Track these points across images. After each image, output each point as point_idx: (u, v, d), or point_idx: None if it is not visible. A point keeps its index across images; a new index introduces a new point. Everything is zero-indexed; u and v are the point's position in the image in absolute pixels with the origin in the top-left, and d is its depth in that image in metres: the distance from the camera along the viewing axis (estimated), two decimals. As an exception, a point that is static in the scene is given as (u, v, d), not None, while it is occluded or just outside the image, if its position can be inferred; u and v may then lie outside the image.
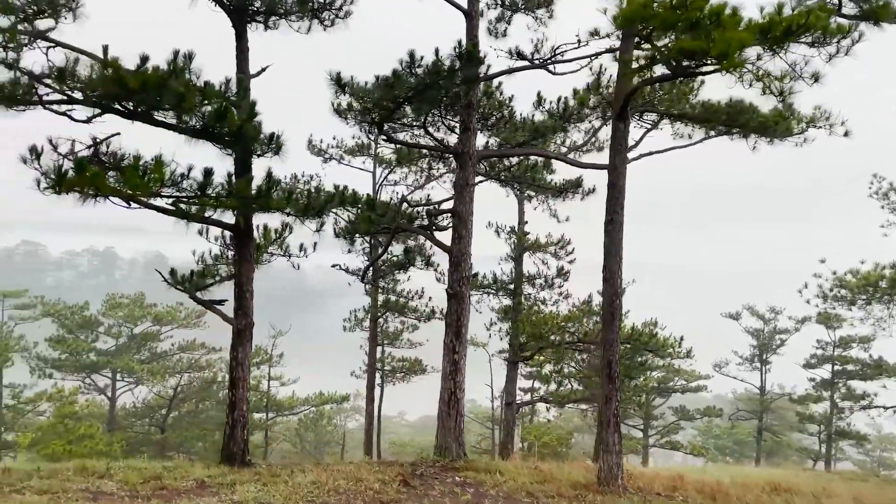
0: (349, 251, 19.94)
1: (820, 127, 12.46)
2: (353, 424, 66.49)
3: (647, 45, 10.96)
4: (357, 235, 15.59)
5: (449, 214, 14.78)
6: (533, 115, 16.20)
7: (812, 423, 43.60)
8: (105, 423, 35.41)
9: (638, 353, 25.97)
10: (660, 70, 11.19)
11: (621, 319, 11.20)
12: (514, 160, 19.60)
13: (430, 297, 26.92)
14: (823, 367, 42.08)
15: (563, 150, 18.43)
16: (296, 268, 13.14)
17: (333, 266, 25.51)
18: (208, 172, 9.31)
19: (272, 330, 36.29)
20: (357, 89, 11.37)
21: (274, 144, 10.41)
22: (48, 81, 8.79)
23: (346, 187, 13.74)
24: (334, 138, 27.29)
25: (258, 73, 11.52)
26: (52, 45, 9.81)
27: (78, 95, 9.31)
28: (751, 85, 8.62)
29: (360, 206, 14.22)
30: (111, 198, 8.69)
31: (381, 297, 26.39)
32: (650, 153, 14.29)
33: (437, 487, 9.92)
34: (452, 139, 14.97)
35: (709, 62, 7.78)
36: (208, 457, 36.36)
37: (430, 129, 14.06)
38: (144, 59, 9.08)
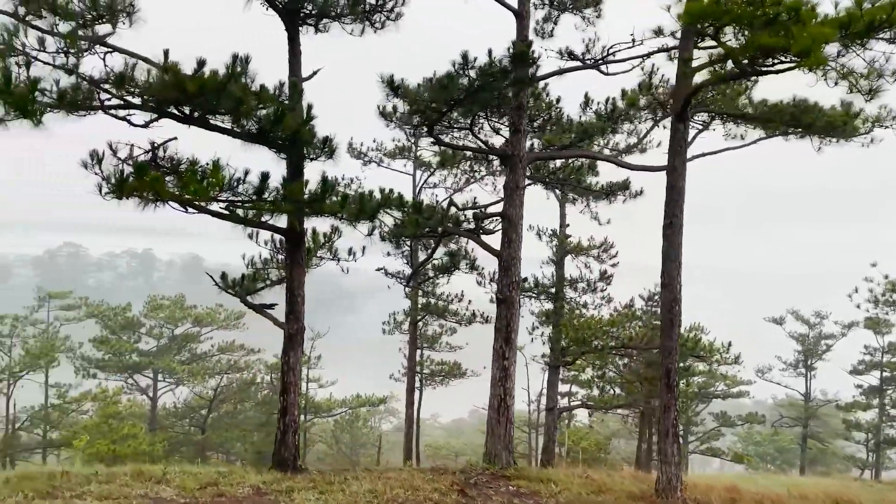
0: (389, 254, 19.87)
1: (887, 127, 11.95)
2: (386, 426, 66.64)
3: (710, 44, 10.62)
4: (402, 239, 15.46)
5: (496, 218, 14.60)
6: (580, 117, 15.91)
7: (859, 430, 42.29)
8: (147, 423, 35.93)
9: (683, 358, 25.44)
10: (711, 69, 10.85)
11: (680, 325, 10.84)
12: (558, 162, 19.35)
13: (469, 301, 26.71)
14: (871, 373, 40.83)
15: (606, 152, 18.10)
16: (345, 272, 13.07)
17: (378, 270, 25.48)
18: (265, 177, 9.25)
19: (310, 332, 36.48)
20: (409, 91, 11.22)
21: (327, 148, 10.32)
22: (106, 86, 8.81)
23: (391, 190, 13.63)
24: (374, 141, 27.31)
25: (310, 77, 11.46)
26: (110, 50, 9.85)
27: (135, 100, 9.35)
28: (836, 83, 8.25)
29: (405, 209, 14.09)
30: (168, 203, 8.66)
31: (420, 301, 26.27)
32: (704, 154, 13.91)
33: (494, 498, 9.72)
34: (496, 141, 14.77)
35: (787, 59, 7.45)
36: (248, 458, 36.67)
37: (476, 132, 13.86)
38: (201, 62, 9.06)
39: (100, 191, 8.17)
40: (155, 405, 40.58)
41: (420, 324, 27.47)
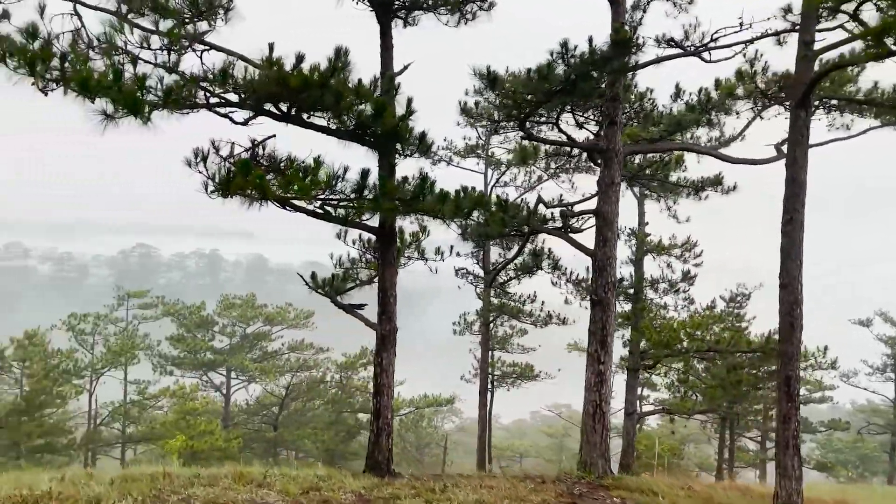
0: (466, 254, 19.41)
1: None
2: (448, 426, 66.42)
3: (832, 25, 9.82)
4: (484, 238, 15.01)
5: (585, 216, 14.00)
6: (671, 109, 15.15)
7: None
8: (220, 420, 36.65)
9: (768, 362, 24.19)
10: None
11: (801, 329, 10.05)
12: (641, 157, 18.54)
13: (542, 302, 26.06)
14: (971, 378, 38.17)
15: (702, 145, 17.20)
16: (433, 272, 12.73)
17: (459, 271, 25.10)
18: (365, 174, 8.98)
19: (379, 332, 36.46)
20: (505, 82, 10.76)
21: (423, 144, 9.98)
22: (205, 84, 8.68)
23: (472, 188, 13.22)
24: (445, 139, 27.02)
25: (401, 71, 11.14)
26: (207, 48, 9.76)
27: (232, 97, 9.21)
28: None
29: (488, 207, 13.65)
30: (271, 201, 8.47)
31: (493, 301, 25.79)
32: (819, 144, 12.94)
33: (603, 510, 9.18)
34: (578, 135, 14.15)
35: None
36: (318, 455, 36.97)
37: (561, 126, 13.31)
38: (300, 58, 8.85)
39: (205, 189, 8.03)
40: (228, 402, 41.44)
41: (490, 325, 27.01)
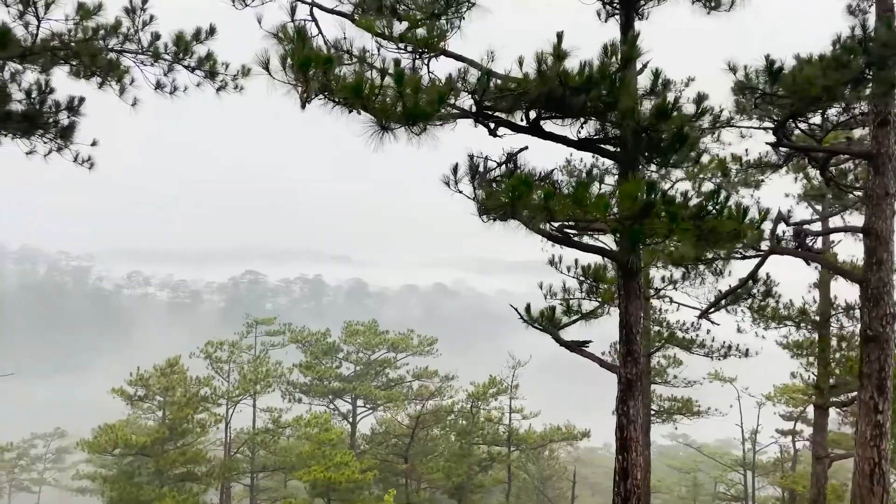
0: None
1: None
2: (563, 455, 63.45)
3: None
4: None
5: (820, 235, 11.90)
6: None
7: None
8: (352, 450, 35.95)
9: None
10: None
11: None
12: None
13: (706, 330, 23.58)
14: None
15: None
16: (675, 310, 10.95)
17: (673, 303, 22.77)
18: (651, 187, 7.39)
19: (511, 360, 34.89)
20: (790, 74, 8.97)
21: (694, 152, 8.33)
22: (464, 91, 7.41)
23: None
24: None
25: (641, 70, 9.58)
26: (438, 53, 8.57)
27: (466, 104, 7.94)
28: None
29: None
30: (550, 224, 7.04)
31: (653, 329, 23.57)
32: None
33: None
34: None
35: None
36: (447, 488, 35.51)
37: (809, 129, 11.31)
38: (562, 55, 7.46)
39: (480, 213, 6.70)
40: (354, 430, 40.86)
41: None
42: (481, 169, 7.33)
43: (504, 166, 7.74)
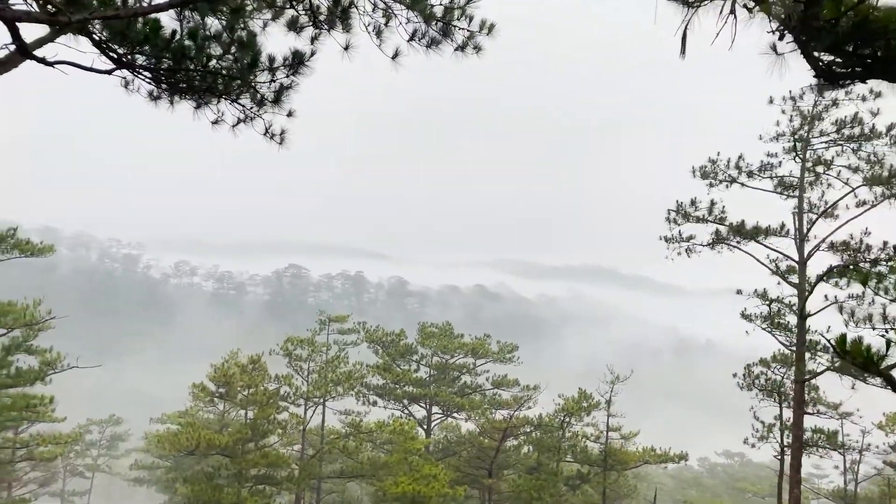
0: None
1: None
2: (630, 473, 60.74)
3: None
4: None
5: None
6: None
7: None
8: (440, 462, 34.05)
9: None
10: None
11: None
12: None
13: None
14: None
15: None
16: None
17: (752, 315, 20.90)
18: None
19: (609, 375, 32.53)
20: None
21: None
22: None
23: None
24: (741, 157, 23.10)
25: None
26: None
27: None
28: None
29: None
30: None
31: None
32: None
33: None
34: None
35: None
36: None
37: None
38: None
39: None
40: (428, 435, 38.98)
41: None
42: None
43: None
